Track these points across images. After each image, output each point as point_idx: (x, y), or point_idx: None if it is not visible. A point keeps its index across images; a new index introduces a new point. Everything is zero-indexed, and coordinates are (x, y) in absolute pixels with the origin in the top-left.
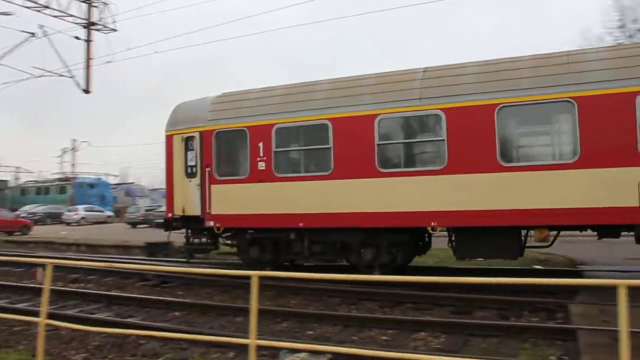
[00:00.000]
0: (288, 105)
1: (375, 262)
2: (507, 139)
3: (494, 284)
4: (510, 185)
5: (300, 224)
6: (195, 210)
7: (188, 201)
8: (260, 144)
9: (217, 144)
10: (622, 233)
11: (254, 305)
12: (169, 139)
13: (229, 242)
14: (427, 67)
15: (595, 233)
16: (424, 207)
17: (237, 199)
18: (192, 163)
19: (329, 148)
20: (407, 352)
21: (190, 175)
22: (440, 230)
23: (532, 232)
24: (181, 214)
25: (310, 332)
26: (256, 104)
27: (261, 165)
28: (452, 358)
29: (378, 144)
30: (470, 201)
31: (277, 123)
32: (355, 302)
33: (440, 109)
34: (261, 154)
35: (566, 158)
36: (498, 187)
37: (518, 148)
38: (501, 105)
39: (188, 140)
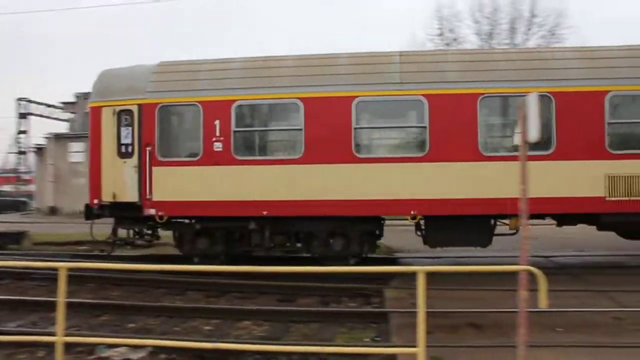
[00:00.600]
0: (251, 80)
1: (346, 253)
2: (489, 129)
3: (321, 272)
4: (490, 174)
5: (264, 212)
6: (130, 196)
7: (121, 185)
8: (217, 122)
9: (161, 119)
10: None
11: (60, 299)
12: (96, 112)
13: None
14: (402, 52)
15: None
16: (405, 196)
17: (186, 184)
18: (128, 141)
19: (300, 129)
20: (228, 342)
21: (124, 155)
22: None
23: (508, 220)
24: (111, 200)
25: (132, 325)
26: (212, 76)
27: (217, 146)
28: (272, 346)
29: (355, 128)
30: (451, 190)
31: (238, 99)
32: (181, 292)
33: (423, 95)
34: (217, 134)
35: (542, 150)
36: (479, 177)
37: (498, 138)
38: (484, 95)
39: (122, 114)
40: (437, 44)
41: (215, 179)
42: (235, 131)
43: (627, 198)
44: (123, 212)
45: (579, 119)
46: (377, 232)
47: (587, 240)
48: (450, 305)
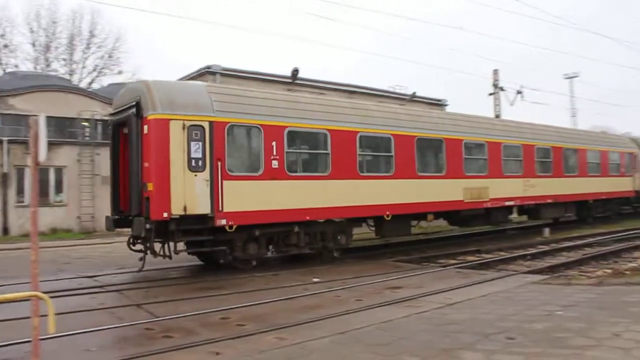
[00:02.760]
0: (298, 112)
1: (345, 246)
2: (419, 158)
3: None
4: (422, 187)
5: (307, 217)
6: (202, 208)
7: (192, 198)
8: (274, 143)
9: (229, 137)
10: None
11: None
12: (162, 124)
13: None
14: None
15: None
16: (383, 202)
17: (250, 196)
18: (198, 155)
19: (327, 153)
20: None
21: (195, 168)
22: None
23: (429, 216)
24: (181, 213)
25: None
26: (267, 104)
27: (274, 164)
28: None
29: (359, 154)
30: (404, 197)
31: (289, 126)
32: None
33: (392, 135)
34: (274, 153)
35: (440, 171)
36: (416, 188)
37: (424, 164)
38: (417, 137)
39: (192, 129)
40: None
41: (274, 191)
42: (287, 152)
43: (470, 200)
44: (193, 225)
45: (455, 152)
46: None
47: (127, 258)
48: None
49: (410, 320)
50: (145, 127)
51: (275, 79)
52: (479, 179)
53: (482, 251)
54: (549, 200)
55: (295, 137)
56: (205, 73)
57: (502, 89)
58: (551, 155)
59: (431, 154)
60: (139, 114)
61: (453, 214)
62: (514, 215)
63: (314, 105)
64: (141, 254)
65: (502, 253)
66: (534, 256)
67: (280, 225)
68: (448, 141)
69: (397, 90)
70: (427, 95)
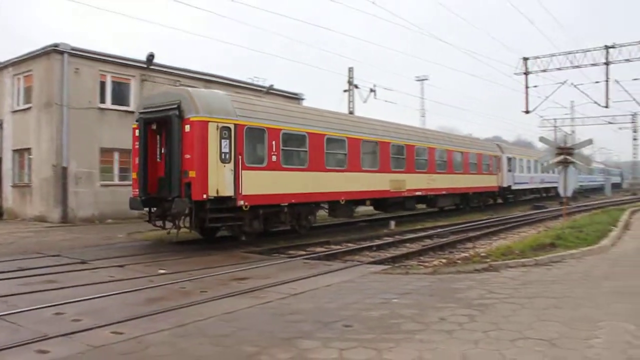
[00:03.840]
0: (289, 118)
1: (312, 224)
2: (363, 156)
3: None
4: (365, 179)
5: (293, 200)
6: (228, 191)
7: (222, 183)
8: (274, 142)
9: (246, 136)
10: None
11: None
12: (202, 125)
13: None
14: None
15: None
16: (340, 190)
17: (259, 182)
18: (226, 150)
19: (306, 151)
20: None
21: (224, 160)
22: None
23: (367, 202)
24: (215, 194)
25: None
26: (269, 111)
27: (274, 158)
28: None
29: (326, 152)
30: (353, 186)
31: (283, 129)
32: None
33: (345, 137)
34: (274, 150)
35: (375, 167)
36: (361, 180)
37: (366, 161)
38: (362, 140)
39: (222, 129)
40: None
41: (273, 179)
42: (282, 149)
43: (394, 190)
44: (220, 205)
45: (367, 150)
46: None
47: None
48: None
49: (254, 311)
50: (187, 126)
51: (130, 62)
52: (399, 173)
53: (332, 242)
54: (444, 192)
55: (287, 137)
56: (52, 51)
57: (356, 86)
58: (446, 157)
59: (370, 153)
60: (181, 115)
61: (383, 200)
62: (365, 208)
63: (298, 112)
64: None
65: (350, 245)
66: (379, 247)
67: (276, 207)
68: (381, 144)
69: (255, 82)
70: (284, 88)
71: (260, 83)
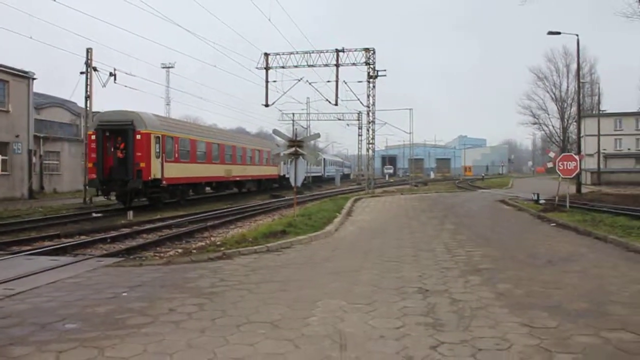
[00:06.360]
0: (183, 129)
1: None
2: (223, 155)
3: None
4: (223, 168)
5: (185, 182)
6: (158, 175)
7: (156, 171)
8: (176, 145)
9: (166, 142)
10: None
11: None
12: (148, 135)
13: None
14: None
15: None
16: (216, 174)
17: (176, 170)
18: (158, 150)
19: (204, 152)
20: None
21: (157, 156)
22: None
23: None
24: (152, 178)
25: None
26: (180, 125)
27: (176, 154)
28: None
29: (212, 152)
30: (222, 173)
31: (179, 137)
32: None
33: (218, 143)
34: (181, 149)
35: (225, 161)
36: (222, 169)
37: (222, 157)
38: (226, 145)
39: (157, 138)
40: None
41: (187, 168)
42: (186, 149)
43: (228, 176)
44: (155, 184)
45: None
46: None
47: None
48: None
49: None
50: (138, 135)
51: None
52: (229, 164)
53: (62, 235)
54: (249, 178)
55: (195, 143)
56: None
57: (95, 69)
58: (249, 153)
59: (221, 152)
60: (134, 129)
61: (224, 182)
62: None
63: (202, 128)
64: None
65: (83, 237)
66: (114, 239)
67: (189, 185)
68: (221, 145)
69: None
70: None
71: None
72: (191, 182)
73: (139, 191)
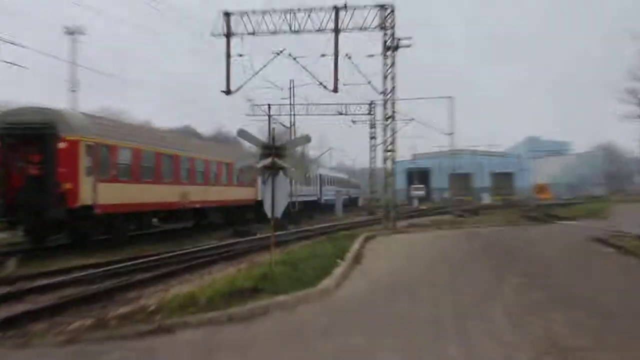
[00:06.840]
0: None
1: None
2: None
3: None
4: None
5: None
6: (89, 201)
7: (86, 194)
8: (114, 157)
9: (98, 152)
10: None
11: None
12: (75, 144)
13: None
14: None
15: None
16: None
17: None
18: (90, 164)
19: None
20: None
21: (88, 173)
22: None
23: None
24: (81, 204)
25: None
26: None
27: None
28: None
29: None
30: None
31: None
32: None
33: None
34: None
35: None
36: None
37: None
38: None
39: (89, 147)
40: None
41: (115, 190)
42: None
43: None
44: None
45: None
46: None
47: None
48: None
49: None
50: (62, 143)
51: None
52: (186, 185)
53: None
54: (214, 205)
55: (140, 154)
56: None
57: None
58: (214, 167)
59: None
60: (56, 134)
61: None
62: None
63: (148, 131)
64: None
65: None
66: None
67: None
68: (180, 158)
69: None
70: None
71: None
72: (134, 210)
73: (62, 223)
